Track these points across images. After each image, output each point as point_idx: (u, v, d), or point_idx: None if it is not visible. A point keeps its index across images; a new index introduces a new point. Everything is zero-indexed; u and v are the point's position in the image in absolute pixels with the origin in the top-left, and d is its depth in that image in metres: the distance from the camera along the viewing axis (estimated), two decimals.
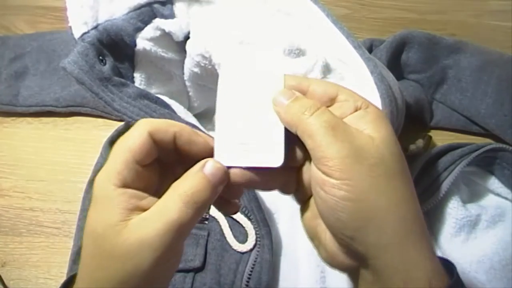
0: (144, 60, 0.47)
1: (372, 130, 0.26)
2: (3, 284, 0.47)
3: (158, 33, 0.45)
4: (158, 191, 0.27)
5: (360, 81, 0.37)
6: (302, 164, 0.29)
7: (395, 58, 0.53)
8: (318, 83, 0.29)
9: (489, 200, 0.47)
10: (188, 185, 0.25)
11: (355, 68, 0.37)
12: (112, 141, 0.50)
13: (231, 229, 0.43)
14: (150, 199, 0.26)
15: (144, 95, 0.44)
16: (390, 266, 0.25)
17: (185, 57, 0.47)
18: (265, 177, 0.28)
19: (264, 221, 0.42)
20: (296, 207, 0.31)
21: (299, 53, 0.39)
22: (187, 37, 0.46)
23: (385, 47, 0.52)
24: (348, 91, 0.29)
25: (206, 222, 0.44)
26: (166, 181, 0.27)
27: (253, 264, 0.41)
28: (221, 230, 0.43)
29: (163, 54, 0.47)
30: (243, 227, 0.42)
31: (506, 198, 0.46)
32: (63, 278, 0.43)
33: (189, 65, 0.46)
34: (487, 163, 0.47)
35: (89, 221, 0.25)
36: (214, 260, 0.42)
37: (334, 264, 0.28)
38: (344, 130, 0.26)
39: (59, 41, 0.58)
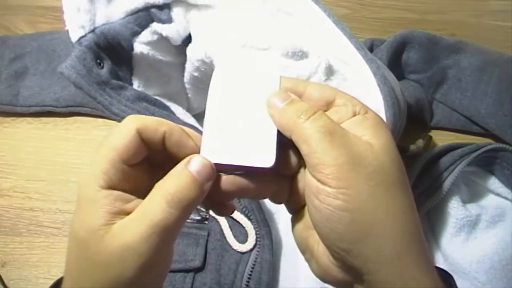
0: (142, 63, 0.47)
1: (371, 136, 0.25)
2: (3, 284, 0.47)
3: (155, 37, 0.45)
4: (147, 193, 0.24)
5: (362, 83, 0.36)
6: (296, 172, 0.27)
7: (395, 58, 0.53)
8: (315, 86, 0.28)
9: (489, 200, 0.47)
10: (171, 183, 0.24)
11: (358, 70, 0.37)
12: None
13: (231, 229, 0.43)
14: (137, 201, 0.24)
15: (142, 98, 0.44)
16: (388, 282, 0.24)
17: (183, 59, 0.46)
18: (257, 184, 0.26)
19: (264, 221, 0.42)
20: None
21: (302, 55, 0.38)
22: (185, 41, 0.45)
23: (385, 47, 0.52)
24: (346, 95, 0.27)
25: (206, 222, 0.44)
26: (157, 182, 0.25)
27: (253, 264, 0.41)
28: (221, 230, 0.43)
29: (160, 57, 0.46)
30: (243, 227, 0.42)
31: (506, 198, 0.46)
32: None
33: (190, 70, 0.46)
34: (487, 163, 0.47)
35: (73, 225, 0.24)
36: (214, 260, 0.42)
37: (326, 279, 0.27)
38: (341, 136, 0.24)
39: (59, 41, 0.58)
